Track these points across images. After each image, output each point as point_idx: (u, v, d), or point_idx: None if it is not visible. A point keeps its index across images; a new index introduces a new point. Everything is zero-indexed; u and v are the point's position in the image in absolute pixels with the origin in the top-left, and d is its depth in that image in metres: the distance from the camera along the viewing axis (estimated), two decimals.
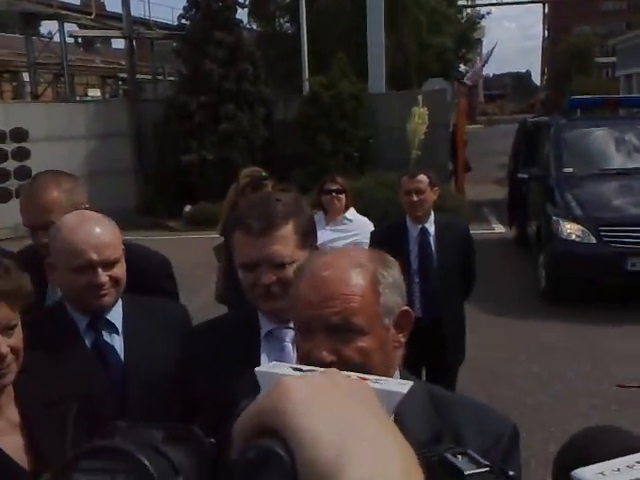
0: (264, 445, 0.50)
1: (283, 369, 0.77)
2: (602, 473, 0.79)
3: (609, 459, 0.81)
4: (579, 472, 0.81)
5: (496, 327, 6.81)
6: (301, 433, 0.49)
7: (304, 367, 0.77)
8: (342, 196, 4.64)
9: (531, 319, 7.17)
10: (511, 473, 0.76)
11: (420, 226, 4.05)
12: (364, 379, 0.63)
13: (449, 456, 0.78)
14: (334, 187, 4.64)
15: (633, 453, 0.82)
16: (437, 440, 1.24)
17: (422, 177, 4.00)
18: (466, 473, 0.75)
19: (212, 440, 0.57)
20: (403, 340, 1.34)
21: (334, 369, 0.59)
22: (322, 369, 0.65)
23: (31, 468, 1.57)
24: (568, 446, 1.07)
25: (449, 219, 4.38)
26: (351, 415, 0.51)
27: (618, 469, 0.78)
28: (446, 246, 4.01)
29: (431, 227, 4.06)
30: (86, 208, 2.49)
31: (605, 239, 7.41)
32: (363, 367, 1.08)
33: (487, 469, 0.76)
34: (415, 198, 3.96)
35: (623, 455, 0.81)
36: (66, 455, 1.55)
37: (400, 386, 0.76)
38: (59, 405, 1.66)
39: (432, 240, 4.04)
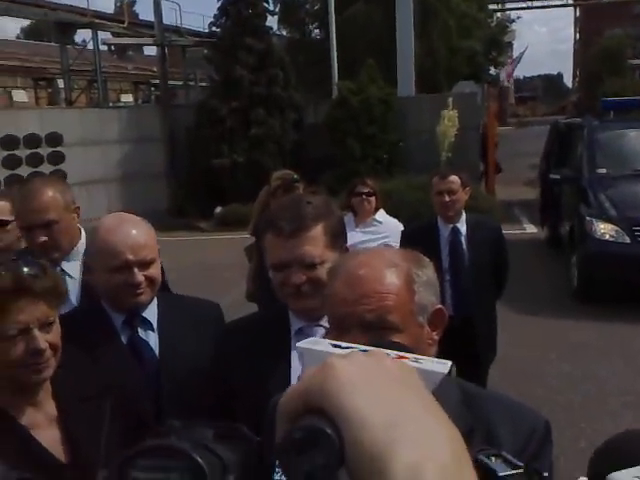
0: (312, 424, 0.50)
1: (324, 345, 0.76)
2: (638, 477, 0.79)
3: None
4: (615, 475, 0.80)
5: (528, 326, 6.76)
6: (350, 413, 0.49)
7: (343, 344, 0.76)
8: (372, 198, 4.66)
9: (563, 318, 7.11)
10: (545, 474, 0.75)
11: (451, 226, 4.05)
12: (403, 357, 0.63)
13: (483, 457, 0.78)
14: (365, 190, 4.66)
15: None
16: (469, 436, 1.26)
17: (454, 178, 4.00)
18: (500, 474, 0.75)
19: (259, 439, 0.58)
20: (437, 338, 1.35)
21: (378, 349, 0.59)
22: (366, 348, 0.65)
23: (68, 461, 1.61)
24: (604, 448, 1.06)
25: (480, 218, 4.36)
26: (399, 397, 0.51)
27: None
28: (478, 245, 4.00)
29: (463, 227, 4.06)
30: (76, 208, 2.58)
31: (639, 239, 7.31)
32: (402, 346, 1.06)
33: (521, 470, 0.76)
34: (447, 199, 3.96)
35: None
36: (102, 449, 1.60)
37: (440, 366, 0.75)
38: (95, 400, 1.70)
39: (463, 239, 4.04)
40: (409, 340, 1.27)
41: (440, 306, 1.35)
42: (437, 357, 1.38)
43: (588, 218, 7.78)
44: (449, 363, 0.78)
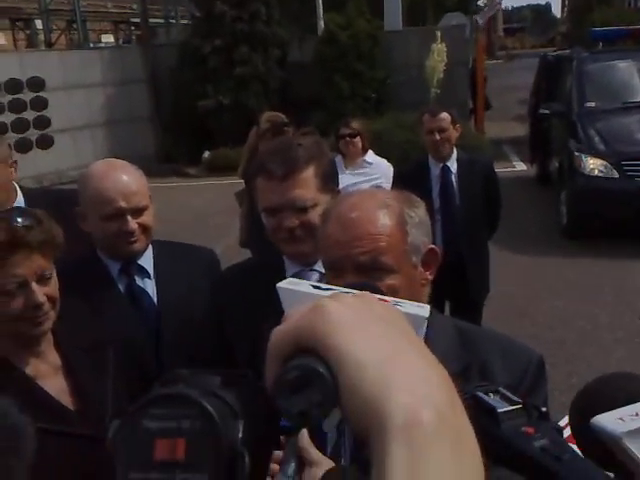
0: (305, 364, 0.51)
1: (303, 286, 0.76)
2: (621, 419, 0.80)
3: (628, 404, 0.82)
4: (599, 418, 0.81)
5: (518, 264, 6.82)
6: (343, 353, 0.49)
7: (323, 285, 0.76)
8: (357, 140, 4.63)
9: (553, 255, 7.18)
10: (543, 409, 0.76)
11: (442, 164, 4.05)
12: (384, 301, 0.62)
13: (481, 394, 0.79)
14: (347, 131, 4.64)
15: None
16: (466, 372, 1.28)
17: (444, 115, 3.98)
18: (499, 410, 0.75)
19: (264, 386, 0.58)
20: (430, 277, 1.38)
21: (367, 292, 0.59)
22: (347, 290, 0.65)
23: (76, 408, 1.64)
24: (585, 392, 1.08)
25: (472, 156, 4.34)
26: (390, 338, 0.51)
27: (637, 414, 0.79)
28: (469, 183, 4.02)
29: (453, 165, 4.06)
30: (13, 163, 2.53)
31: (628, 173, 7.32)
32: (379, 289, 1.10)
33: (519, 406, 0.76)
34: (438, 137, 3.96)
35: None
36: (109, 397, 1.62)
37: (420, 309, 0.75)
38: (99, 349, 1.72)
39: (454, 178, 4.04)
40: (403, 280, 1.29)
41: (432, 246, 1.37)
42: (431, 297, 1.41)
43: (577, 153, 7.76)
44: (428, 307, 0.78)
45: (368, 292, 0.59)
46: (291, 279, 0.85)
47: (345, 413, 0.50)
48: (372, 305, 0.55)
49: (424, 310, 0.76)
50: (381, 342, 0.51)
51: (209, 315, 1.93)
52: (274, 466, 0.65)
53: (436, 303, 1.45)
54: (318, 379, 0.50)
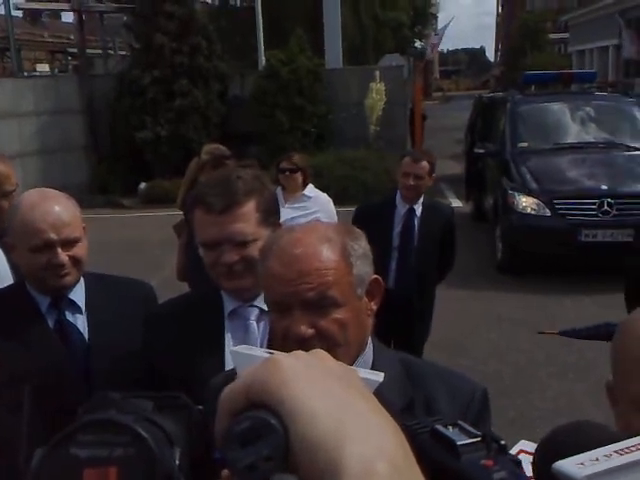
0: (256, 417, 0.49)
1: (259, 351, 0.76)
2: (582, 463, 0.81)
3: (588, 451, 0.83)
4: (560, 464, 0.82)
5: (454, 298, 6.91)
6: (296, 406, 0.48)
7: (278, 353, 0.77)
8: (297, 175, 4.65)
9: (488, 290, 7.32)
10: (503, 442, 0.75)
11: (408, 206, 4.17)
12: None
13: (440, 428, 0.78)
14: (288, 166, 4.66)
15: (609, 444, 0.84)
16: (410, 405, 1.29)
17: (424, 164, 4.07)
18: (458, 443, 0.75)
19: (200, 407, 0.56)
20: (375, 308, 1.37)
21: (320, 350, 0.58)
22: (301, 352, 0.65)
23: None
24: (548, 440, 1.10)
25: (436, 203, 4.59)
26: (344, 393, 0.51)
27: (597, 459, 0.80)
28: (429, 228, 4.16)
29: (419, 209, 4.19)
30: None
31: (560, 212, 7.57)
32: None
33: (478, 439, 0.76)
34: (412, 182, 4.05)
35: (601, 446, 0.83)
36: (23, 433, 1.53)
37: (374, 375, 0.76)
38: (14, 384, 1.63)
39: (417, 221, 4.18)
40: (350, 313, 1.28)
41: (376, 276, 1.36)
42: (377, 332, 1.39)
43: (510, 192, 7.99)
44: (382, 374, 0.78)
45: (322, 350, 0.58)
46: (245, 345, 0.85)
47: (296, 466, 0.48)
48: (326, 361, 0.55)
49: (378, 376, 0.76)
50: (334, 394, 0.50)
51: (142, 351, 1.85)
52: None
53: (382, 339, 1.44)
54: (268, 431, 0.48)
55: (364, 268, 1.31)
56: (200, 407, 0.56)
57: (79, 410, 0.52)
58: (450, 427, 0.79)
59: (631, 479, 0.78)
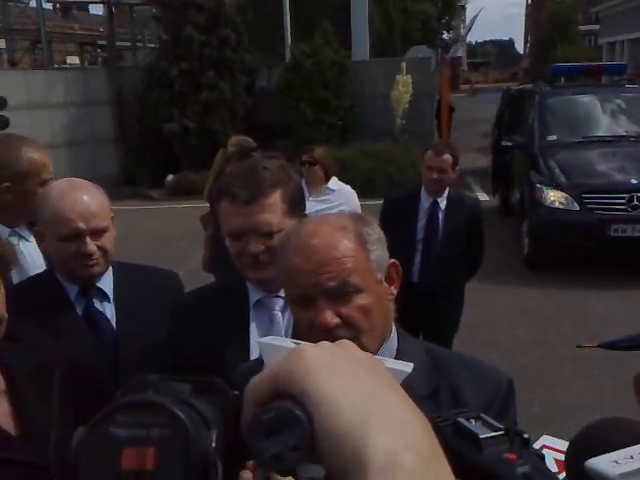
0: (281, 407, 0.49)
1: (286, 342, 0.76)
2: (616, 461, 0.79)
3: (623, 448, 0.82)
4: (593, 461, 0.81)
5: (481, 293, 6.86)
6: (321, 396, 0.49)
7: (304, 343, 0.78)
8: (315, 167, 4.64)
9: (514, 285, 7.25)
10: (526, 436, 0.75)
11: (432, 199, 4.13)
12: None
13: (462, 421, 0.78)
14: (307, 159, 4.65)
15: None
16: (435, 393, 1.29)
17: (447, 157, 4.03)
18: (481, 437, 0.74)
19: (236, 392, 0.57)
20: (395, 292, 1.37)
21: (346, 340, 0.58)
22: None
23: (18, 433, 1.57)
24: (581, 436, 1.08)
25: (460, 195, 4.45)
26: (371, 383, 0.51)
27: (631, 457, 0.79)
28: (454, 222, 4.11)
29: (443, 202, 4.14)
30: None
31: (588, 206, 7.47)
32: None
33: (501, 432, 0.75)
34: (435, 175, 4.01)
35: (636, 443, 0.81)
36: (53, 420, 1.56)
37: (403, 365, 0.76)
38: (44, 371, 1.65)
39: (441, 214, 4.13)
40: (372, 298, 1.28)
41: (393, 260, 1.37)
42: (404, 325, 1.40)
43: (538, 185, 7.90)
44: (411, 364, 0.78)
45: (348, 341, 0.58)
46: (274, 336, 0.86)
47: (321, 456, 0.48)
48: (352, 352, 0.55)
49: (406, 366, 0.75)
50: (360, 385, 0.50)
51: (168, 340, 1.87)
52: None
53: (411, 332, 1.44)
54: (293, 422, 0.48)
55: (381, 252, 1.32)
56: (236, 392, 0.57)
57: (117, 392, 0.53)
58: (473, 420, 0.78)
59: None
